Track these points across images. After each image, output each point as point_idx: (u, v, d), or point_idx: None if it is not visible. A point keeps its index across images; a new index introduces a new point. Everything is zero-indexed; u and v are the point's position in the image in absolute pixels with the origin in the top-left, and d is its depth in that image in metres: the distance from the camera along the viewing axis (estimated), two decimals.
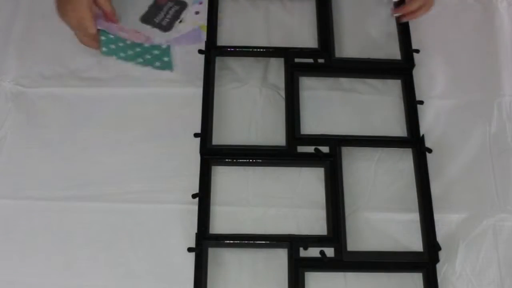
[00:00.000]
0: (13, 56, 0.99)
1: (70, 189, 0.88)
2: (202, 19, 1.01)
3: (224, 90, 0.97)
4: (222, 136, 0.93)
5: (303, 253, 0.84)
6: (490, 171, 0.92)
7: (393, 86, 0.98)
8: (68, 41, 0.98)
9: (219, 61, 0.99)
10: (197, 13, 1.02)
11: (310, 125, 0.94)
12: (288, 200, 0.89)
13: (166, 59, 0.98)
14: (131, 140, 0.92)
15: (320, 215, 0.87)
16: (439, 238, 0.85)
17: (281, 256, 0.84)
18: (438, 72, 1.00)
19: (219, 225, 0.87)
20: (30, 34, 1.02)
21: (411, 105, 0.95)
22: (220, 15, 1.03)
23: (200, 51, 0.97)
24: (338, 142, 0.91)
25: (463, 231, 0.87)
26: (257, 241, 0.85)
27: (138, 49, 0.98)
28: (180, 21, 1.01)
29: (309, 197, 0.89)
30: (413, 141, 0.92)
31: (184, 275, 0.82)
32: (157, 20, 1.02)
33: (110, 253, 0.84)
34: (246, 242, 0.85)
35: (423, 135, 0.92)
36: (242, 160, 0.90)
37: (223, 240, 0.85)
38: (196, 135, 0.90)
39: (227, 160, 0.90)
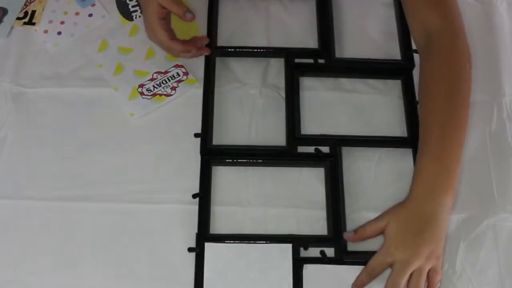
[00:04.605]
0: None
1: (70, 189, 0.88)
2: None
3: (224, 90, 0.97)
4: (222, 136, 0.93)
5: (303, 253, 0.84)
6: (490, 171, 0.92)
7: (393, 86, 0.98)
8: None
9: (219, 62, 0.99)
10: None
11: (310, 125, 0.94)
12: (288, 200, 0.89)
13: None
14: (131, 140, 0.92)
15: (320, 215, 0.87)
16: None
17: None
18: None
19: (219, 225, 0.87)
20: None
21: (411, 105, 0.95)
22: (220, 15, 1.03)
23: None
24: (338, 142, 0.91)
25: (463, 231, 0.87)
26: (257, 241, 0.85)
27: None
28: None
29: (309, 197, 0.89)
30: (413, 141, 0.92)
31: (184, 275, 0.82)
32: None
33: (110, 253, 0.84)
34: (246, 242, 0.85)
35: None
36: (242, 160, 0.90)
37: (223, 240, 0.85)
38: (196, 135, 0.90)
39: (227, 160, 0.90)
